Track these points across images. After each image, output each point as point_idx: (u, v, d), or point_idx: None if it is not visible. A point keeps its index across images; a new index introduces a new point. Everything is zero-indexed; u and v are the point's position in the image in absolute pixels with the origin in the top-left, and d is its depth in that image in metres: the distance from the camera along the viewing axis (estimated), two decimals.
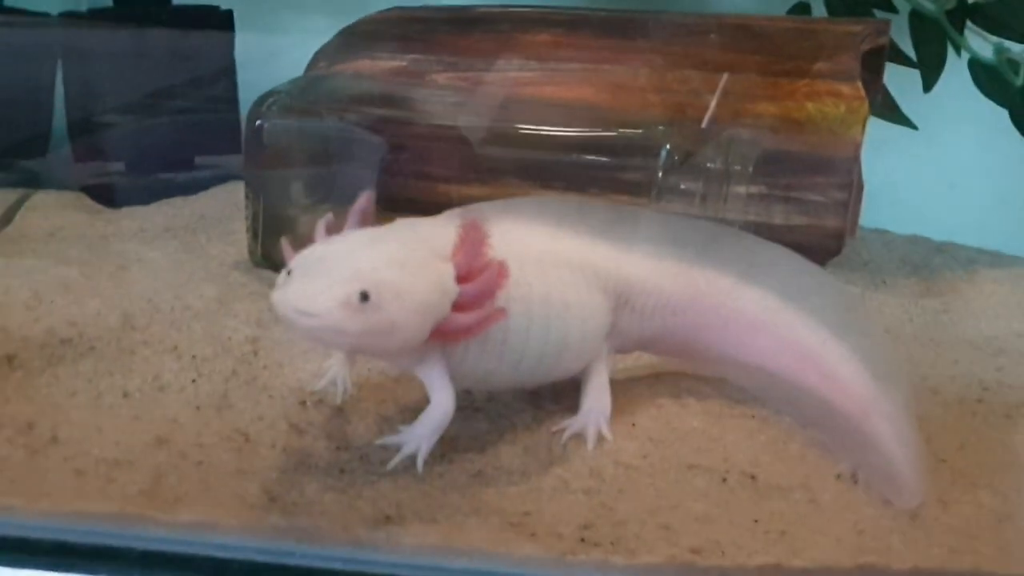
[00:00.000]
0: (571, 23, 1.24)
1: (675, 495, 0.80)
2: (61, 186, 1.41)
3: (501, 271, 0.77)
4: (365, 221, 0.81)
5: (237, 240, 1.18)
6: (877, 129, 1.23)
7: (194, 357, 0.93)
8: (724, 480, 0.82)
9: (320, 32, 1.31)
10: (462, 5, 1.30)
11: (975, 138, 1.46)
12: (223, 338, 0.96)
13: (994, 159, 1.46)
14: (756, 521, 0.78)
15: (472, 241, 0.77)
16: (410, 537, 0.74)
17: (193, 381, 0.91)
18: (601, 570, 0.73)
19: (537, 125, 1.08)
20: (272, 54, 1.39)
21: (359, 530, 0.74)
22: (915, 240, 1.38)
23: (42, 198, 1.38)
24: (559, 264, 0.86)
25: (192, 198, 1.35)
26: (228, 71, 1.42)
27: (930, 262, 1.30)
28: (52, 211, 1.33)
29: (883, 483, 0.82)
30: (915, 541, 0.76)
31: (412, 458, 0.80)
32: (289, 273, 0.74)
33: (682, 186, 1.07)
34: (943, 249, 1.34)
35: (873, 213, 1.34)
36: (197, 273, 1.10)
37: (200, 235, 1.21)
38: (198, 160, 1.46)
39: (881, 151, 1.25)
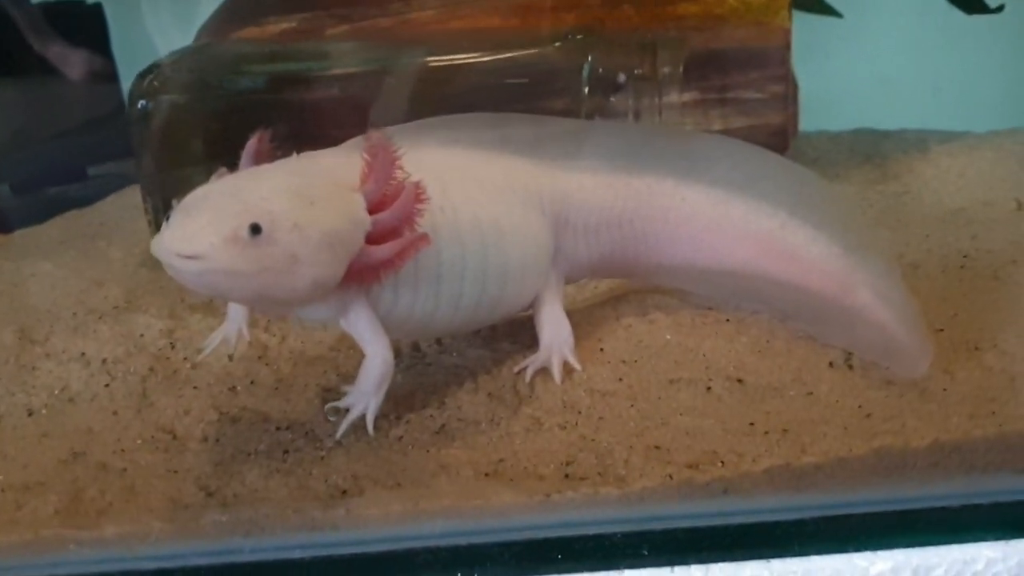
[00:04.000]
0: None
1: (660, 413, 0.72)
2: None
3: (418, 192, 0.68)
4: (260, 162, 0.71)
5: (142, 239, 1.07)
6: (800, 31, 1.15)
7: (104, 361, 0.83)
8: (709, 389, 0.75)
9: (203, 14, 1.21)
10: None
11: (903, 20, 1.39)
12: (135, 336, 0.86)
13: (926, 38, 1.40)
14: (752, 424, 0.70)
15: (381, 164, 0.68)
16: (372, 508, 0.65)
17: (106, 386, 0.80)
18: (593, 505, 0.65)
19: (445, 57, 0.99)
20: (155, 47, 1.28)
21: (313, 511, 0.65)
22: (860, 132, 1.31)
23: None
24: (485, 184, 0.77)
25: (89, 209, 1.23)
26: (107, 72, 1.31)
27: (880, 149, 1.23)
28: None
29: (882, 356, 0.75)
30: (929, 415, 0.69)
31: (362, 421, 0.71)
32: (168, 219, 0.64)
33: (612, 99, 0.99)
34: (890, 136, 1.28)
35: (811, 117, 1.27)
36: (100, 277, 0.99)
37: (100, 241, 1.10)
38: (92, 171, 1.34)
39: (809, 53, 1.18)
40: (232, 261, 0.62)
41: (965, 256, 0.92)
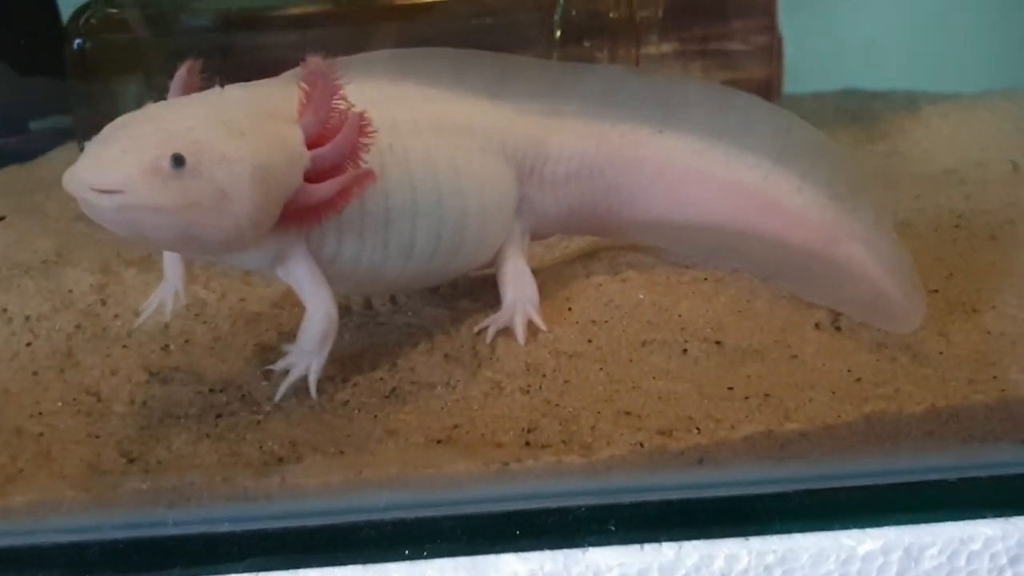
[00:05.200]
0: None
1: (631, 377, 0.66)
2: None
3: (363, 124, 0.61)
4: (190, 93, 0.64)
5: None
6: None
7: (27, 318, 0.76)
8: (685, 351, 0.69)
9: None
10: None
11: None
12: (62, 292, 0.79)
13: None
14: (731, 389, 0.64)
15: (320, 93, 0.61)
16: (310, 476, 0.59)
17: (28, 344, 0.73)
18: (555, 475, 0.59)
19: None
20: None
21: (244, 479, 0.59)
22: (847, 93, 1.25)
23: None
24: (442, 123, 0.70)
25: (28, 164, 1.16)
26: (50, 22, 1.23)
27: (868, 109, 1.18)
28: None
29: (872, 313, 0.69)
30: (924, 379, 0.63)
31: (304, 383, 0.64)
32: (85, 151, 0.57)
33: (585, 44, 0.92)
34: (878, 96, 1.22)
35: (796, 77, 1.20)
36: (31, 230, 0.92)
37: (37, 195, 1.03)
38: (33, 126, 1.26)
39: (792, 10, 1.12)
40: (153, 195, 0.55)
41: (959, 216, 0.87)
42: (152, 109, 0.60)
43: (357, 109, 0.61)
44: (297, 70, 0.64)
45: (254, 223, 0.59)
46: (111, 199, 0.55)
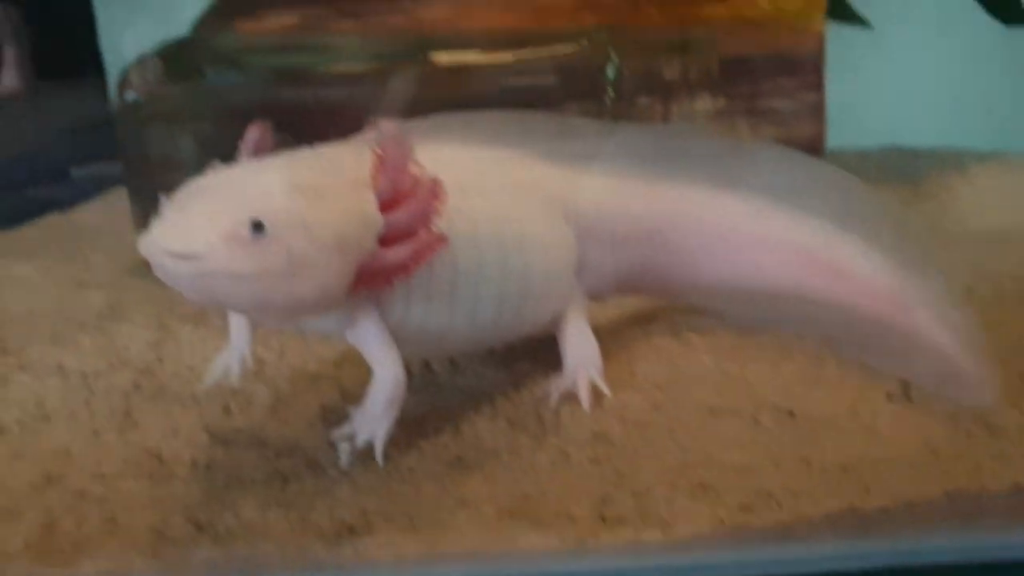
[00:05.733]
0: None
1: (702, 447, 0.65)
2: None
3: (435, 189, 0.61)
4: (261, 155, 0.64)
5: (127, 245, 0.98)
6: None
7: (84, 375, 0.75)
8: (756, 421, 0.68)
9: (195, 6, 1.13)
10: None
11: (933, 32, 1.33)
12: (119, 348, 0.78)
13: (957, 51, 1.34)
14: (808, 462, 0.63)
15: (394, 159, 0.61)
16: (383, 548, 0.57)
17: (86, 402, 0.73)
18: (635, 552, 0.57)
19: (459, 57, 0.91)
20: (144, 40, 1.21)
21: (317, 548, 0.58)
22: (890, 150, 1.25)
23: None
24: (506, 187, 0.70)
25: (70, 212, 1.16)
26: (95, 65, 1.23)
27: (913, 167, 1.17)
28: None
29: (945, 385, 0.68)
30: (1006, 455, 0.62)
31: (370, 448, 0.63)
32: (161, 214, 0.56)
33: (640, 103, 0.92)
34: (922, 154, 1.21)
35: (836, 132, 1.20)
36: (80, 282, 0.92)
37: (83, 245, 1.03)
38: (75, 171, 1.26)
39: (833, 64, 1.12)
40: (231, 262, 0.54)
41: (1021, 282, 0.86)
42: (228, 173, 0.60)
43: (429, 174, 0.61)
44: (370, 133, 0.63)
45: (330, 289, 0.58)
46: (188, 265, 0.54)
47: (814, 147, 1.05)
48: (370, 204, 0.61)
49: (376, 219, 0.61)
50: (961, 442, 0.64)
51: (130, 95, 0.92)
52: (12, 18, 1.22)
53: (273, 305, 0.58)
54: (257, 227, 0.55)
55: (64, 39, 1.24)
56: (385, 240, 0.61)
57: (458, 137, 0.70)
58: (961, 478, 0.60)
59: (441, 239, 0.62)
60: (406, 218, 0.61)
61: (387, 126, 0.61)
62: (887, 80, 1.33)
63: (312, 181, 0.59)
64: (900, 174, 1.16)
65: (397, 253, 0.61)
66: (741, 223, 0.77)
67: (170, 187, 0.92)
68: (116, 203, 1.13)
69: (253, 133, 0.64)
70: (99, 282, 0.92)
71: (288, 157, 0.62)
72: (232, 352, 0.71)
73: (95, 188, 1.22)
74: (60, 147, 1.24)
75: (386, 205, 0.61)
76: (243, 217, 0.55)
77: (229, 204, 0.56)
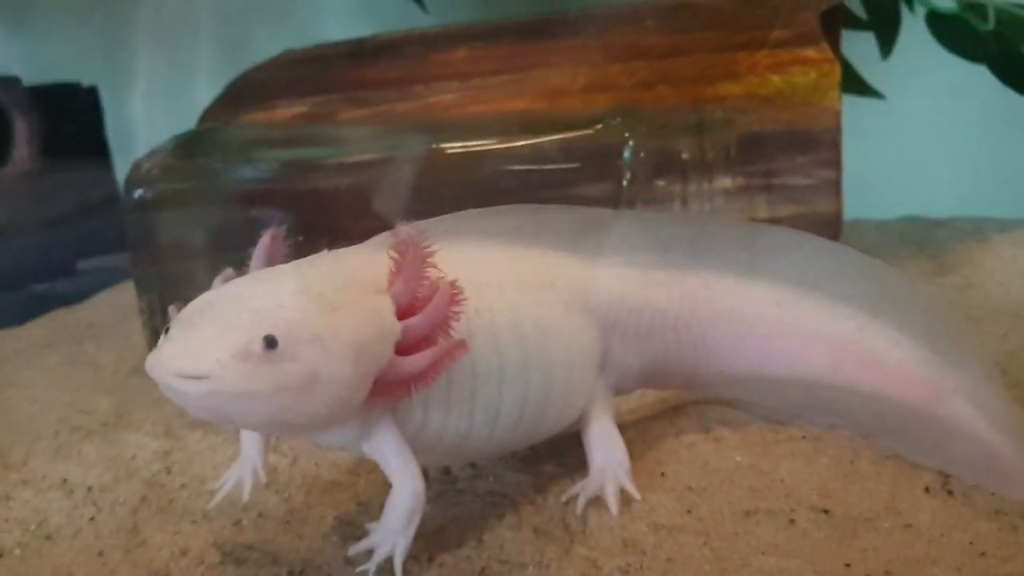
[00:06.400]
0: (489, 34, 1.07)
1: (738, 552, 0.62)
2: None
3: (454, 293, 0.58)
4: (275, 263, 0.61)
5: (134, 344, 0.97)
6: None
7: (90, 489, 0.72)
8: (792, 521, 0.64)
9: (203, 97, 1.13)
10: (360, 37, 1.12)
11: (947, 102, 1.32)
12: (125, 459, 0.76)
13: (971, 120, 1.32)
14: (848, 566, 0.59)
15: (411, 262, 0.58)
16: None
17: (91, 519, 0.70)
18: None
19: (472, 142, 0.90)
20: (153, 133, 1.20)
21: None
22: (909, 220, 1.22)
23: None
24: (525, 283, 0.67)
25: (76, 307, 1.13)
26: (101, 159, 1.22)
27: (934, 238, 1.14)
28: None
29: (984, 475, 0.65)
30: None
31: (389, 564, 0.60)
32: (168, 331, 0.54)
33: (658, 185, 0.90)
34: (942, 224, 1.19)
35: (852, 203, 1.18)
36: (86, 386, 0.89)
37: (88, 344, 1.00)
38: (81, 265, 1.24)
39: (847, 136, 1.10)
40: (244, 381, 0.52)
41: None
42: (238, 286, 0.57)
43: (447, 277, 0.59)
44: (386, 235, 0.61)
45: (345, 403, 0.56)
46: (198, 385, 0.52)
47: (832, 222, 1.03)
48: (386, 311, 0.58)
49: (393, 327, 0.58)
50: (1008, 540, 0.60)
51: (139, 192, 0.90)
52: (22, 98, 1.22)
53: (287, 422, 0.55)
54: (270, 343, 0.52)
55: (70, 122, 1.23)
56: (402, 348, 0.58)
57: (474, 235, 0.68)
58: None
59: (461, 345, 0.59)
60: (424, 324, 0.58)
61: (405, 230, 0.59)
62: (904, 150, 1.31)
63: (325, 291, 0.56)
64: (921, 246, 1.13)
65: (415, 362, 0.58)
66: (767, 311, 0.74)
67: (179, 281, 0.90)
68: (123, 298, 1.11)
69: (265, 238, 0.62)
70: (106, 386, 0.89)
71: (300, 266, 0.60)
72: (244, 464, 0.68)
73: (102, 282, 1.20)
74: (67, 235, 1.22)
75: (403, 311, 0.59)
76: (255, 334, 0.52)
77: (240, 321, 0.53)
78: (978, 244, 1.11)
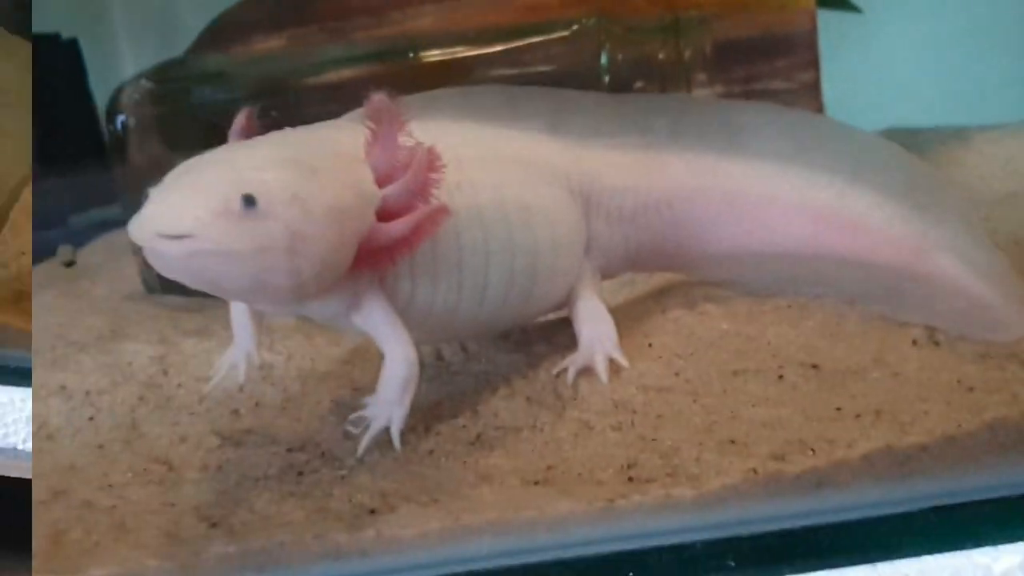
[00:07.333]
0: None
1: (727, 407, 0.63)
2: None
3: (432, 159, 0.59)
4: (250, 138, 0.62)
5: (127, 276, 0.98)
6: None
7: (87, 393, 0.73)
8: (781, 377, 0.65)
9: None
10: None
11: (923, 15, 1.32)
12: (121, 365, 0.76)
13: (947, 34, 1.33)
14: (839, 409, 0.61)
15: (387, 130, 0.59)
16: (406, 527, 0.55)
17: (90, 419, 0.71)
18: (666, 509, 0.55)
19: (448, 50, 0.90)
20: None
21: (337, 534, 0.55)
22: (891, 131, 1.22)
23: None
24: (506, 160, 0.68)
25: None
26: (88, 113, 1.23)
27: (916, 143, 1.14)
28: None
29: (970, 325, 0.66)
30: None
31: (386, 435, 0.61)
32: (149, 198, 0.54)
33: (636, 87, 0.90)
34: (924, 132, 1.20)
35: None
36: (82, 311, 0.90)
37: (82, 281, 1.01)
38: (73, 219, 1.25)
39: (825, 53, 1.11)
40: (224, 238, 0.52)
41: None
42: (217, 152, 0.58)
43: (425, 145, 0.59)
44: (361, 109, 0.62)
45: (329, 265, 0.57)
46: (180, 245, 0.52)
47: None
48: (366, 178, 0.59)
49: (373, 193, 0.59)
50: (995, 377, 0.62)
51: (118, 119, 0.91)
52: None
53: (271, 284, 0.56)
54: (249, 201, 0.53)
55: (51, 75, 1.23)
56: (384, 215, 0.59)
57: (453, 112, 0.69)
58: (1000, 408, 0.58)
59: (442, 210, 0.59)
60: (404, 191, 0.59)
61: (379, 99, 0.60)
62: (883, 65, 1.32)
63: (304, 155, 0.57)
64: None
65: (397, 227, 0.59)
66: (748, 187, 0.75)
67: None
68: (116, 242, 1.12)
69: (240, 118, 0.63)
70: (100, 309, 0.90)
71: (278, 135, 0.61)
72: (237, 350, 0.69)
73: (93, 234, 1.21)
74: (57, 195, 1.23)
75: (382, 179, 0.59)
76: (234, 192, 0.53)
77: (219, 181, 0.54)
78: (960, 144, 1.12)
